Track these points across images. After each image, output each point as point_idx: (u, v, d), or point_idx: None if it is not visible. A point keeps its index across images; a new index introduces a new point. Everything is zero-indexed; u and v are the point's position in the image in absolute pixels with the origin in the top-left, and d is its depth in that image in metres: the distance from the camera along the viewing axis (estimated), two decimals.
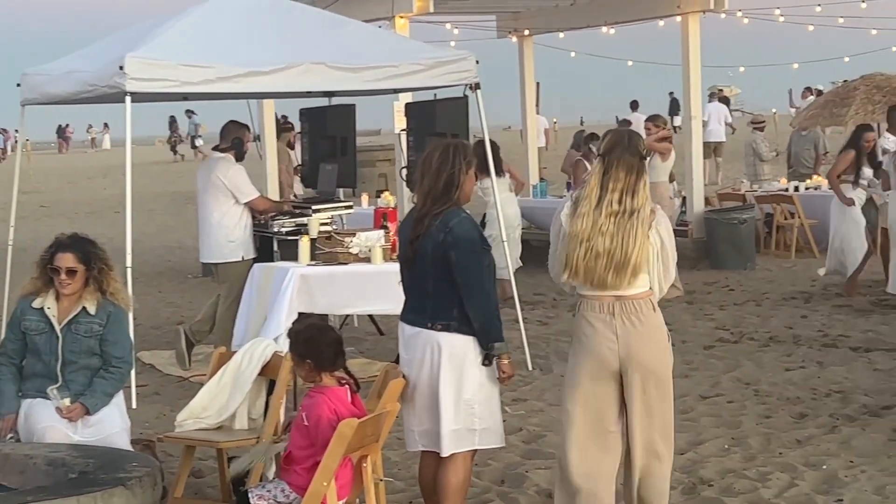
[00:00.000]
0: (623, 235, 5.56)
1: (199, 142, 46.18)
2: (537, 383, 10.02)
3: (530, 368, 10.51)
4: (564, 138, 35.58)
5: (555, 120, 37.02)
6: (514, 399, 9.51)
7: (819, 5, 19.00)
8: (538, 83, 39.93)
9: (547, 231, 17.28)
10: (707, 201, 17.97)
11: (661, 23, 17.80)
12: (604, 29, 18.41)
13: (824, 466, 7.36)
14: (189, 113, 47.15)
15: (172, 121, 50.36)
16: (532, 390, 9.79)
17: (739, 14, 17.92)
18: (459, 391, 5.83)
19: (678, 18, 16.62)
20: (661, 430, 5.76)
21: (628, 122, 24.28)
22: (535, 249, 17.16)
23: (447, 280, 5.75)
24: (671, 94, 44.71)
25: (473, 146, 7.23)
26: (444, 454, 5.91)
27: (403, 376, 5.96)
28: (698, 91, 17.09)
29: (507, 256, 11.02)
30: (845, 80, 21.07)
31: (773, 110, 37.55)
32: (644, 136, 14.25)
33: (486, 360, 5.84)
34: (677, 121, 35.16)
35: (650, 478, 5.77)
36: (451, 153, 5.82)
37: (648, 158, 5.97)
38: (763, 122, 22.47)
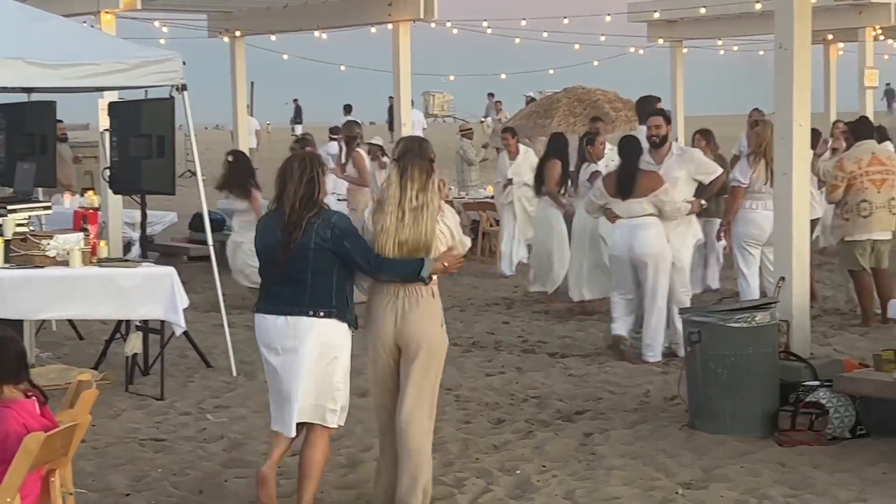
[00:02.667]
0: (417, 226, 6.53)
1: None
2: (241, 390, 9.92)
3: (234, 374, 10.40)
4: (279, 140, 35.41)
5: (268, 122, 36.78)
6: (216, 406, 9.40)
7: (524, 19, 19.61)
8: (252, 83, 39.41)
9: None
10: None
11: (374, 29, 17.97)
12: (316, 33, 18.44)
13: (518, 471, 7.57)
14: None
15: None
16: (236, 397, 9.69)
17: (449, 24, 18.30)
18: (329, 375, 6.56)
19: (389, 26, 16.82)
20: (426, 399, 6.69)
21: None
22: None
23: (325, 272, 6.51)
24: (295, 100, 44.68)
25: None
26: (298, 420, 6.54)
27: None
28: (408, 97, 17.33)
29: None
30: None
31: (482, 118, 38.42)
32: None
33: (428, 279, 6.57)
34: (298, 129, 35.09)
35: (407, 438, 6.63)
36: (308, 162, 6.61)
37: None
38: (470, 129, 23.02)
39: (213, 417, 9.03)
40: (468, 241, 6.89)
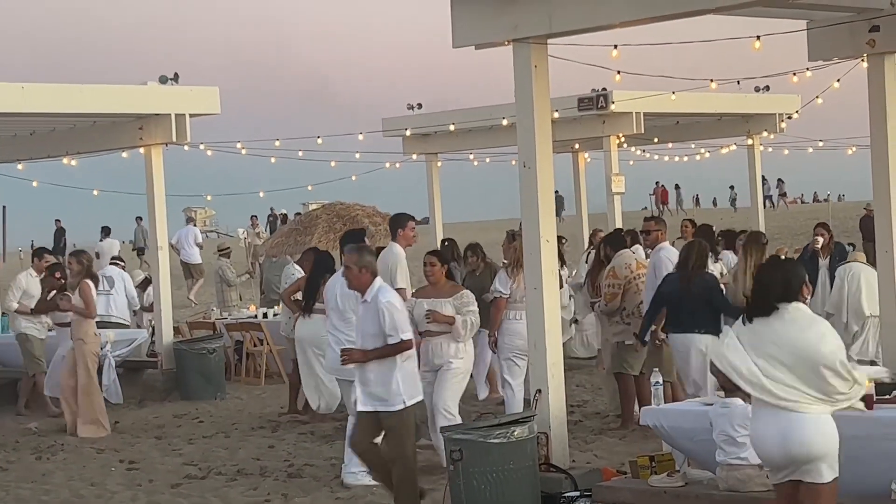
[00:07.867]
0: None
1: None
2: None
3: None
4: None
5: (20, 249, 35.82)
6: None
7: (278, 140, 19.74)
8: (4, 207, 38.29)
9: (11, 367, 16.65)
10: (177, 331, 17.93)
11: (125, 154, 17.73)
12: (65, 160, 18.07)
13: None
14: None
15: None
16: None
17: (202, 147, 18.21)
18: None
19: (142, 150, 16.63)
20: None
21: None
22: (2, 388, 16.33)
23: (702, 307, 11.21)
24: (57, 221, 43.02)
25: None
26: None
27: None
28: (164, 220, 17.04)
29: None
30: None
31: (244, 234, 38.24)
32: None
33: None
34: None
35: None
36: (703, 246, 11.72)
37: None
38: (228, 248, 22.92)
39: None
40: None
